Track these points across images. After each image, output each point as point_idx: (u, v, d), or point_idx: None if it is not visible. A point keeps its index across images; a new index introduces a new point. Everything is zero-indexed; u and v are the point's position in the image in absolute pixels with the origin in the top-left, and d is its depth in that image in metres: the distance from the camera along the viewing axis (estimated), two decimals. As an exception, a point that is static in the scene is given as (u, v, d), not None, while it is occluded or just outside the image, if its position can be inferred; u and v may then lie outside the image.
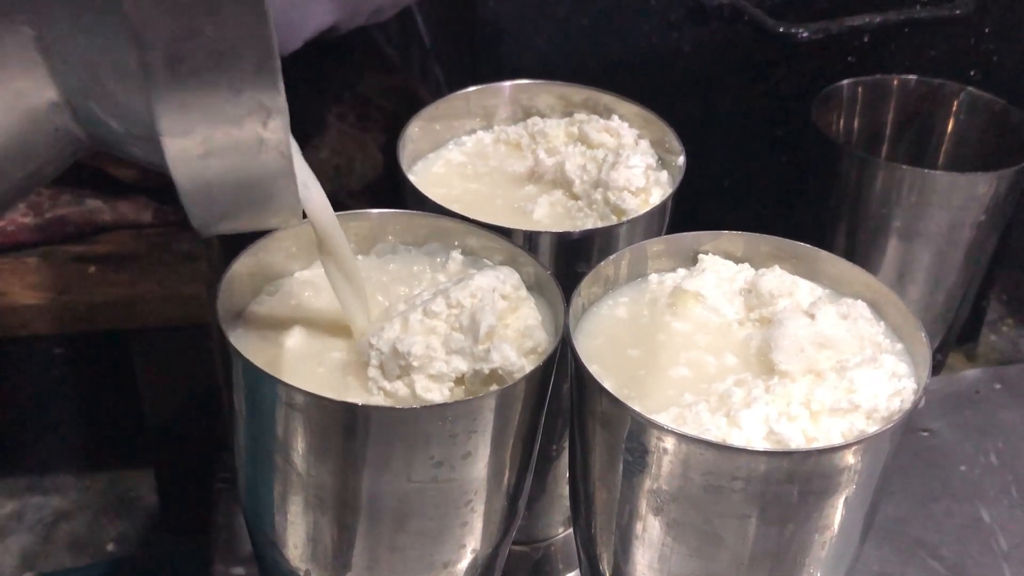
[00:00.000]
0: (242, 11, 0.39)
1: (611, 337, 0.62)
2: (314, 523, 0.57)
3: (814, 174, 0.94)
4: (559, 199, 0.71)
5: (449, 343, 0.56)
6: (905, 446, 0.90)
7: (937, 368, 1.03)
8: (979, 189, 0.88)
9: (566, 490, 0.66)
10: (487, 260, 0.64)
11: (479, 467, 0.56)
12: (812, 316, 0.58)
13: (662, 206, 0.69)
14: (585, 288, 0.61)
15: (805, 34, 0.92)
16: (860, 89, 0.97)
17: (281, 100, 0.42)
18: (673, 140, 0.74)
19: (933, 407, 0.95)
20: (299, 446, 0.55)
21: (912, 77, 0.97)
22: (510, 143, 0.77)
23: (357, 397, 0.56)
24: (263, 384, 0.54)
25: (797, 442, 0.53)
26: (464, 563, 0.60)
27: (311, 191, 0.55)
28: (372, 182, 1.17)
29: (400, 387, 0.55)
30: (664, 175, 0.73)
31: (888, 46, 0.99)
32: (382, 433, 0.53)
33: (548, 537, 0.83)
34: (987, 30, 1.01)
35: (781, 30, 0.92)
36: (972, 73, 1.02)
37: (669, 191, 0.71)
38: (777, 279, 0.62)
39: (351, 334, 0.59)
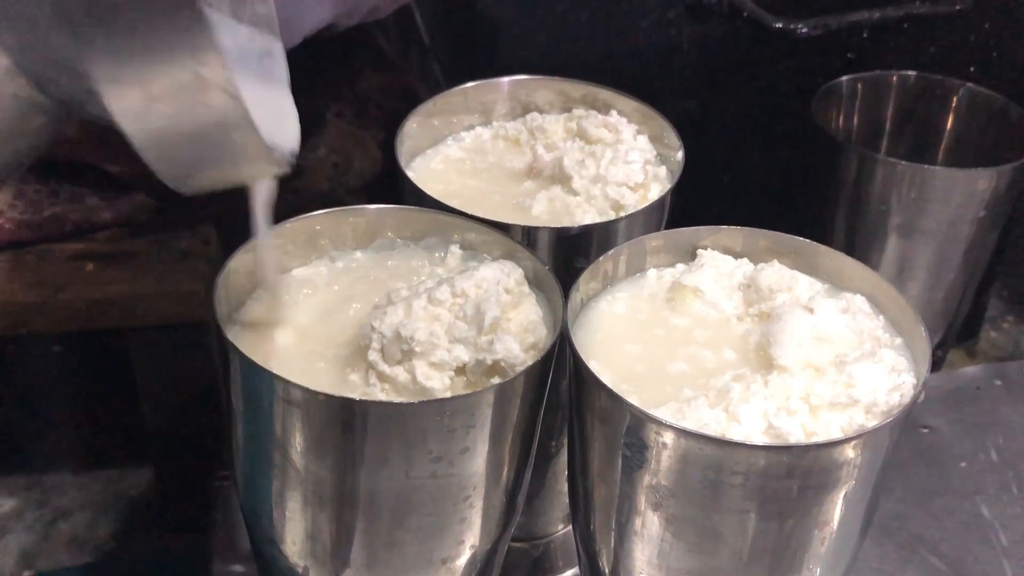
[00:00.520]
0: None
1: (609, 332, 0.61)
2: (312, 519, 0.57)
3: (814, 171, 0.94)
4: (557, 194, 0.71)
5: (452, 331, 0.56)
6: (905, 442, 0.90)
7: (938, 365, 1.03)
8: (979, 185, 0.88)
9: (565, 487, 0.65)
10: (486, 255, 0.64)
11: (477, 462, 0.56)
12: (811, 311, 0.58)
13: (661, 201, 0.69)
14: (583, 283, 0.61)
15: (804, 30, 0.92)
16: (860, 85, 0.97)
17: (213, 35, 0.40)
18: (672, 135, 0.74)
19: (933, 404, 0.95)
20: (297, 442, 0.55)
21: (912, 73, 0.97)
22: (508, 139, 0.77)
23: (356, 392, 0.56)
24: (260, 380, 0.54)
25: (796, 436, 0.53)
26: (463, 559, 0.60)
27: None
28: (371, 180, 1.16)
29: (400, 372, 0.55)
30: (663, 170, 0.73)
31: (888, 42, 0.99)
32: (380, 428, 0.53)
33: (548, 534, 0.83)
34: (987, 26, 1.00)
35: (780, 26, 0.91)
36: (972, 69, 1.02)
37: (668, 186, 0.71)
38: (776, 274, 0.62)
39: (349, 330, 0.59)
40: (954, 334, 1.00)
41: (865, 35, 0.98)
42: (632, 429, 0.54)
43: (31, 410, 1.31)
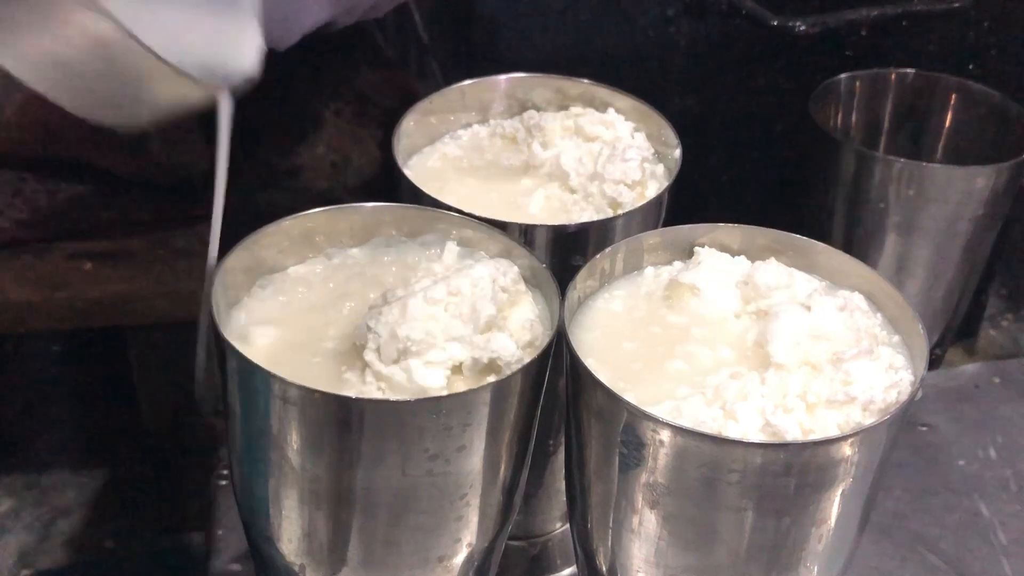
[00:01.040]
0: None
1: (606, 330, 0.61)
2: (309, 518, 0.57)
3: (812, 168, 0.94)
4: (555, 192, 0.71)
5: (449, 330, 0.56)
6: (904, 441, 0.90)
7: (936, 363, 1.03)
8: (977, 183, 0.88)
9: (563, 485, 0.65)
10: (483, 253, 0.64)
11: (474, 461, 0.56)
12: (808, 308, 0.58)
13: (658, 199, 0.69)
14: (581, 281, 0.61)
15: (803, 27, 0.92)
16: (858, 83, 0.96)
17: None
18: (669, 133, 0.74)
19: (932, 402, 0.95)
20: (293, 440, 0.55)
21: (910, 71, 0.96)
22: (506, 137, 0.77)
23: (352, 390, 0.56)
24: (256, 378, 0.54)
25: (793, 434, 0.53)
26: (460, 557, 0.60)
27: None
28: (369, 178, 1.16)
29: (396, 371, 0.55)
30: (660, 168, 0.73)
31: (886, 39, 0.99)
32: (376, 426, 0.53)
33: (545, 532, 0.83)
34: (985, 23, 1.00)
35: (778, 23, 0.91)
36: (970, 66, 1.02)
37: (665, 184, 0.71)
38: (774, 272, 0.62)
39: (345, 328, 0.59)
40: (953, 332, 1.00)
41: (864, 32, 0.98)
42: (629, 427, 0.54)
43: (29, 409, 1.31)
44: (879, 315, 0.61)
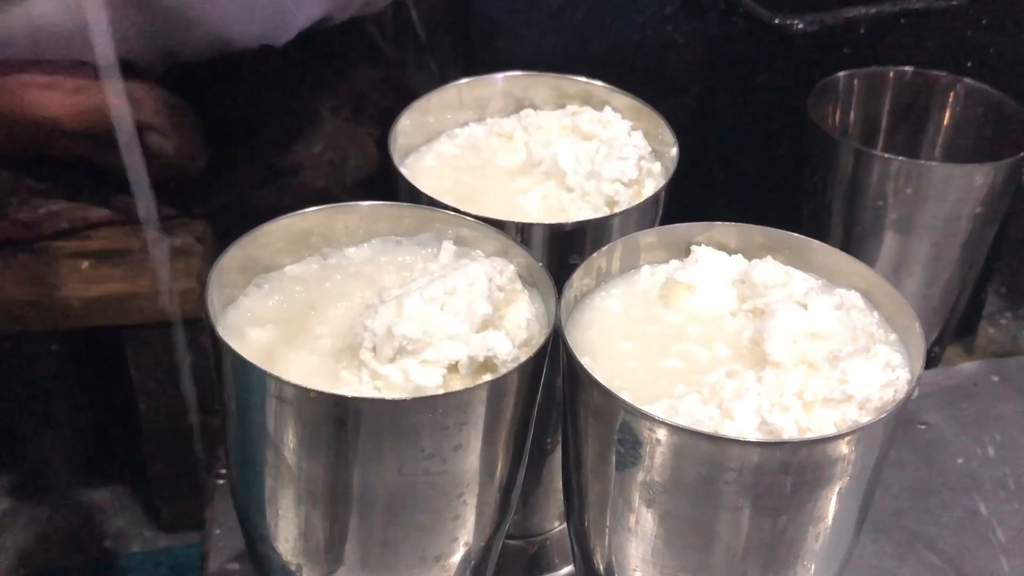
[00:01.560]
0: None
1: (603, 329, 0.61)
2: (306, 517, 0.57)
3: (810, 167, 0.94)
4: (552, 191, 0.71)
5: (445, 329, 0.56)
6: (902, 439, 0.90)
7: (935, 361, 1.03)
8: (976, 181, 0.88)
9: (561, 484, 0.65)
10: (479, 252, 0.64)
11: (471, 459, 0.56)
12: (805, 306, 0.58)
13: (655, 197, 0.69)
14: (577, 280, 0.61)
15: (801, 26, 0.92)
16: (856, 81, 0.96)
17: None
18: (666, 131, 0.74)
19: (931, 400, 0.95)
20: (289, 439, 0.55)
21: (908, 69, 0.96)
22: (503, 135, 0.77)
23: (349, 388, 0.56)
24: (253, 377, 0.54)
25: (790, 432, 0.53)
26: (457, 556, 0.60)
27: None
28: (367, 177, 1.17)
29: (393, 370, 0.55)
30: (657, 166, 0.73)
31: (884, 38, 0.99)
32: (372, 425, 0.53)
33: (543, 531, 0.83)
34: (983, 21, 1.00)
35: (776, 22, 0.91)
36: (968, 64, 1.02)
37: (662, 183, 0.71)
38: (770, 270, 0.62)
39: (342, 327, 0.59)
40: (951, 330, 1.00)
41: (862, 31, 0.98)
42: (625, 426, 0.54)
43: (27, 408, 1.31)
44: (876, 313, 0.61)
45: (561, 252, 0.66)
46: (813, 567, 0.58)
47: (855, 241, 0.92)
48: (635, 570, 0.58)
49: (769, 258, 0.63)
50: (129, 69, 1.13)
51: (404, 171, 0.70)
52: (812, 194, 0.94)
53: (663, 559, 0.57)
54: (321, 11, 0.98)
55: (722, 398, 0.54)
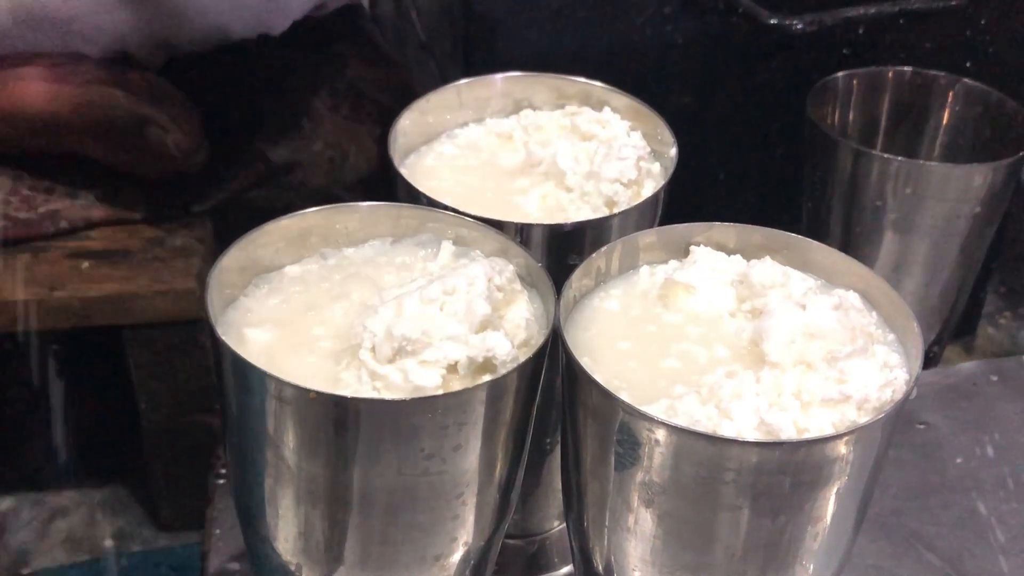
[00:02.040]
0: None
1: (602, 329, 0.61)
2: (305, 517, 0.57)
3: (810, 167, 0.94)
4: (551, 191, 0.71)
5: (444, 329, 0.56)
6: (901, 439, 0.90)
7: (934, 361, 1.03)
8: (975, 180, 0.88)
9: (561, 484, 0.65)
10: (479, 252, 0.64)
11: (470, 459, 0.56)
12: (804, 307, 0.58)
13: (654, 198, 0.69)
14: (576, 280, 0.61)
15: (800, 26, 0.92)
16: (855, 81, 0.96)
17: None
18: (665, 132, 0.74)
19: (930, 400, 0.95)
20: (289, 439, 0.55)
21: (907, 69, 0.96)
22: (502, 136, 0.77)
23: (348, 389, 0.56)
24: (252, 377, 0.54)
25: (788, 433, 0.53)
26: (456, 556, 0.60)
27: None
28: (366, 175, 1.17)
29: (392, 371, 0.55)
30: (656, 167, 0.73)
31: (883, 38, 0.99)
32: (372, 425, 0.53)
33: (543, 531, 0.83)
34: (982, 21, 1.00)
35: (775, 22, 0.91)
36: (968, 65, 1.02)
37: (661, 183, 0.71)
38: (769, 270, 0.62)
39: (341, 328, 0.59)
40: (950, 330, 1.00)
41: (860, 31, 0.98)
42: (624, 426, 0.54)
43: (28, 408, 1.31)
44: (874, 313, 0.61)
45: (560, 252, 0.66)
46: (812, 567, 0.58)
47: (854, 241, 0.92)
48: (634, 570, 0.59)
49: (768, 258, 0.63)
50: (127, 61, 1.14)
51: (404, 171, 0.70)
52: (811, 194, 0.94)
53: (662, 559, 0.57)
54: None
55: (721, 398, 0.54)
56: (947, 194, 0.88)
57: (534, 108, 0.78)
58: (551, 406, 0.68)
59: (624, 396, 0.54)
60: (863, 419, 0.54)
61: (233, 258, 0.60)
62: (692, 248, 0.65)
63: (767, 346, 0.56)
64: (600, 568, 0.61)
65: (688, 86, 1.00)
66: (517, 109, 0.79)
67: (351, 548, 0.58)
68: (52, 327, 1.04)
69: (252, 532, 0.61)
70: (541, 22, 0.93)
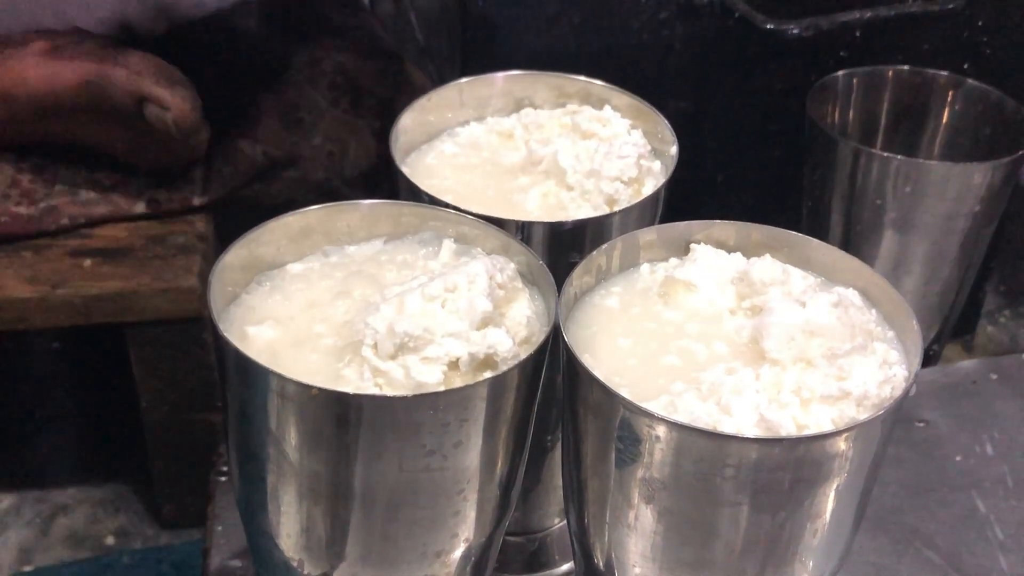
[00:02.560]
0: None
1: (602, 327, 0.62)
2: (307, 513, 0.58)
3: (809, 166, 0.94)
4: (552, 189, 0.71)
5: (445, 326, 0.56)
6: (901, 436, 0.90)
7: (934, 359, 1.03)
8: (974, 179, 0.88)
9: (561, 481, 0.66)
10: (480, 249, 0.65)
11: (471, 456, 0.56)
12: (803, 304, 0.58)
13: (655, 196, 0.69)
14: (577, 278, 0.61)
15: (796, 31, 0.92)
16: (855, 80, 0.97)
17: None
18: (666, 130, 0.74)
19: (929, 398, 0.95)
20: (291, 436, 0.55)
21: (907, 68, 0.97)
22: (503, 134, 0.77)
23: (350, 386, 0.56)
24: (254, 374, 0.54)
25: (788, 429, 0.53)
26: (457, 552, 0.60)
27: None
28: (366, 169, 1.17)
29: (394, 367, 0.55)
30: (657, 165, 0.73)
31: (880, 41, 0.99)
32: (373, 422, 0.53)
33: (544, 528, 0.83)
34: (980, 23, 1.00)
35: (771, 27, 0.92)
36: (965, 66, 1.02)
37: (662, 181, 0.71)
38: (769, 268, 0.62)
39: (343, 325, 0.59)
40: (950, 328, 1.01)
41: (857, 34, 0.98)
42: (625, 422, 0.54)
43: (29, 406, 1.31)
44: (874, 311, 0.62)
45: (561, 250, 0.66)
46: (811, 563, 0.58)
47: (854, 239, 0.92)
48: (634, 566, 0.59)
49: (768, 256, 0.64)
50: (129, 30, 1.13)
51: (405, 170, 0.70)
52: (811, 193, 0.95)
53: (662, 555, 0.57)
54: None
55: (721, 395, 0.54)
56: (947, 193, 0.88)
57: (535, 107, 0.79)
58: (552, 403, 0.68)
59: (624, 393, 0.54)
60: (862, 416, 0.54)
61: (235, 256, 0.60)
62: (692, 246, 0.65)
63: (767, 343, 0.57)
64: (601, 565, 0.61)
65: (686, 89, 1.00)
66: (518, 108, 0.79)
67: (353, 544, 0.58)
68: (54, 325, 1.04)
69: (254, 528, 0.61)
70: (538, 26, 0.93)
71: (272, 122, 1.16)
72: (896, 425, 0.58)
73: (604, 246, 0.63)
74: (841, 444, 0.53)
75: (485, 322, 0.57)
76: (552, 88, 0.79)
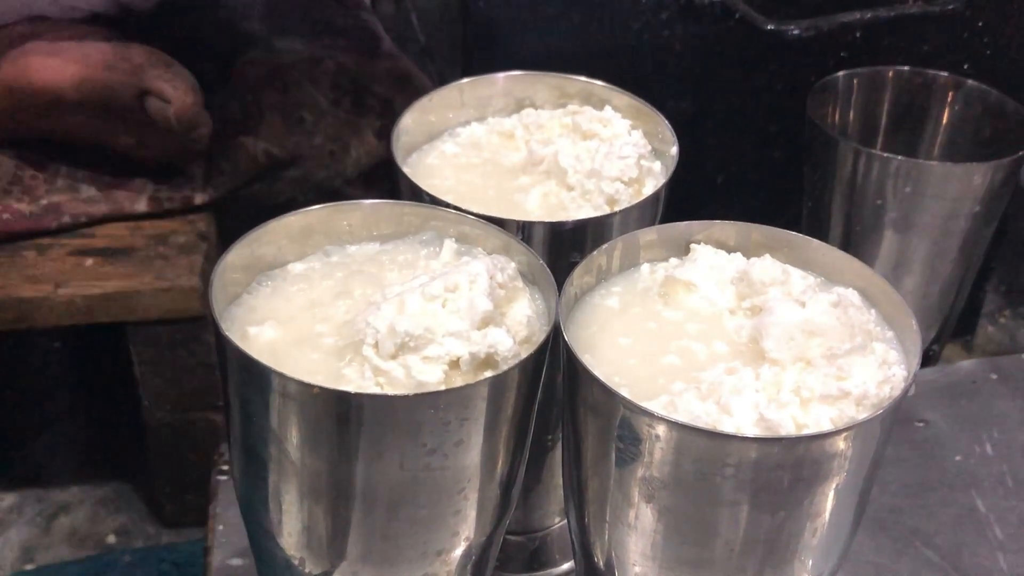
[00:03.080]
0: None
1: (603, 326, 0.62)
2: (308, 512, 0.58)
3: (810, 166, 0.94)
4: (552, 189, 0.72)
5: (446, 326, 0.56)
6: (901, 436, 0.91)
7: (933, 359, 1.03)
8: (974, 180, 0.88)
9: (562, 481, 0.66)
10: (480, 249, 0.65)
11: (472, 455, 0.57)
12: (803, 304, 0.58)
13: (655, 196, 0.70)
14: (577, 278, 0.61)
15: (796, 31, 0.92)
16: (855, 81, 0.97)
17: None
18: (666, 130, 0.74)
19: (929, 398, 0.95)
20: (292, 435, 0.55)
21: (907, 68, 0.97)
22: (504, 134, 0.77)
23: (351, 385, 0.56)
24: (256, 373, 0.55)
25: (787, 428, 0.53)
26: (458, 551, 0.60)
27: None
28: (367, 168, 1.17)
29: (395, 367, 0.55)
30: (657, 165, 0.73)
31: (880, 41, 1.00)
32: (374, 421, 0.54)
33: (544, 527, 0.83)
34: (980, 24, 1.01)
35: (772, 27, 0.92)
36: (965, 67, 1.02)
37: (662, 181, 0.71)
38: (768, 268, 0.62)
39: (344, 324, 0.60)
40: (950, 329, 1.01)
41: (857, 35, 0.98)
42: (624, 422, 0.54)
43: (31, 405, 1.32)
44: (873, 311, 0.62)
45: (561, 250, 0.66)
46: (811, 562, 0.58)
47: (854, 240, 0.92)
48: (634, 565, 0.59)
49: (768, 256, 0.64)
50: (121, 9, 1.13)
51: (406, 170, 0.71)
52: (811, 193, 0.95)
53: (662, 554, 0.57)
54: None
55: (720, 394, 0.54)
56: (947, 193, 0.88)
57: (536, 107, 0.79)
58: (552, 403, 0.68)
59: (624, 392, 0.54)
60: (862, 415, 0.54)
61: (237, 255, 0.61)
62: (692, 246, 0.65)
63: (767, 343, 0.57)
64: (601, 564, 0.61)
65: (686, 90, 1.00)
66: (519, 108, 0.79)
67: (354, 543, 0.58)
68: (56, 324, 1.05)
69: (255, 527, 0.62)
70: (539, 27, 0.94)
71: (274, 121, 1.17)
72: (896, 425, 0.58)
73: (604, 246, 0.63)
74: (840, 443, 0.53)
75: (486, 322, 0.57)
76: (553, 88, 0.79)
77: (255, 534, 0.62)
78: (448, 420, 0.54)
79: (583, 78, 0.78)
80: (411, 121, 0.75)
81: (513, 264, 0.61)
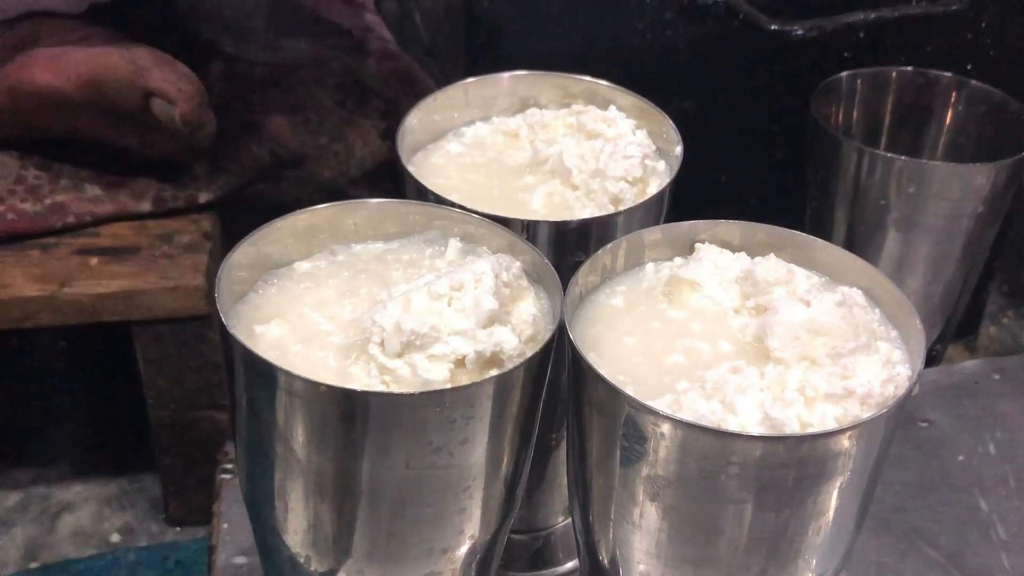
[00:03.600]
0: None
1: (608, 325, 0.62)
2: (314, 510, 0.58)
3: (813, 166, 0.94)
4: (557, 189, 0.72)
5: (452, 324, 0.57)
6: (904, 436, 0.91)
7: (937, 359, 1.04)
8: (978, 180, 0.88)
9: (566, 479, 0.66)
10: (485, 248, 0.65)
11: (477, 453, 0.57)
12: (807, 304, 0.58)
13: (659, 195, 0.70)
14: (582, 277, 0.62)
15: (800, 32, 0.92)
16: (859, 81, 0.97)
17: None
18: (670, 130, 0.74)
19: (932, 398, 0.96)
20: (298, 433, 0.55)
21: (911, 68, 0.97)
22: (508, 134, 0.77)
23: (357, 383, 0.56)
24: (263, 372, 0.55)
25: (792, 427, 0.53)
26: (463, 549, 0.61)
27: None
28: (372, 168, 1.17)
29: (400, 365, 0.56)
30: (662, 164, 0.74)
31: (884, 42, 1.00)
32: (380, 419, 0.54)
33: (548, 526, 0.83)
34: (983, 24, 1.01)
35: (775, 28, 0.92)
36: (969, 68, 1.02)
37: (667, 181, 0.71)
38: (773, 267, 0.62)
39: (350, 323, 0.60)
40: (953, 329, 1.01)
41: (861, 35, 0.98)
42: (630, 420, 0.54)
43: (36, 404, 1.32)
44: (877, 310, 0.62)
45: (566, 249, 0.67)
46: (814, 561, 0.58)
47: (858, 240, 0.93)
48: (639, 563, 0.59)
49: (772, 256, 0.64)
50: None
51: (411, 169, 0.71)
52: (815, 193, 0.95)
53: (667, 552, 0.58)
54: None
55: (725, 393, 0.54)
56: (950, 193, 0.88)
57: (540, 107, 0.79)
58: (556, 402, 0.69)
59: (629, 391, 0.54)
60: (866, 414, 0.54)
61: (243, 254, 0.61)
62: (697, 245, 0.65)
63: (771, 342, 0.57)
64: (605, 562, 0.61)
65: (690, 90, 1.00)
66: (523, 108, 0.79)
67: (359, 541, 0.58)
68: (61, 323, 1.05)
69: (261, 525, 0.62)
70: (542, 27, 0.94)
71: (279, 121, 1.17)
72: (899, 425, 0.58)
73: (609, 245, 0.64)
74: (845, 442, 0.54)
75: (491, 320, 0.57)
76: (557, 88, 0.79)
77: (260, 532, 0.63)
78: (454, 418, 0.54)
79: (587, 78, 0.79)
80: (416, 121, 0.75)
81: (518, 263, 0.62)
